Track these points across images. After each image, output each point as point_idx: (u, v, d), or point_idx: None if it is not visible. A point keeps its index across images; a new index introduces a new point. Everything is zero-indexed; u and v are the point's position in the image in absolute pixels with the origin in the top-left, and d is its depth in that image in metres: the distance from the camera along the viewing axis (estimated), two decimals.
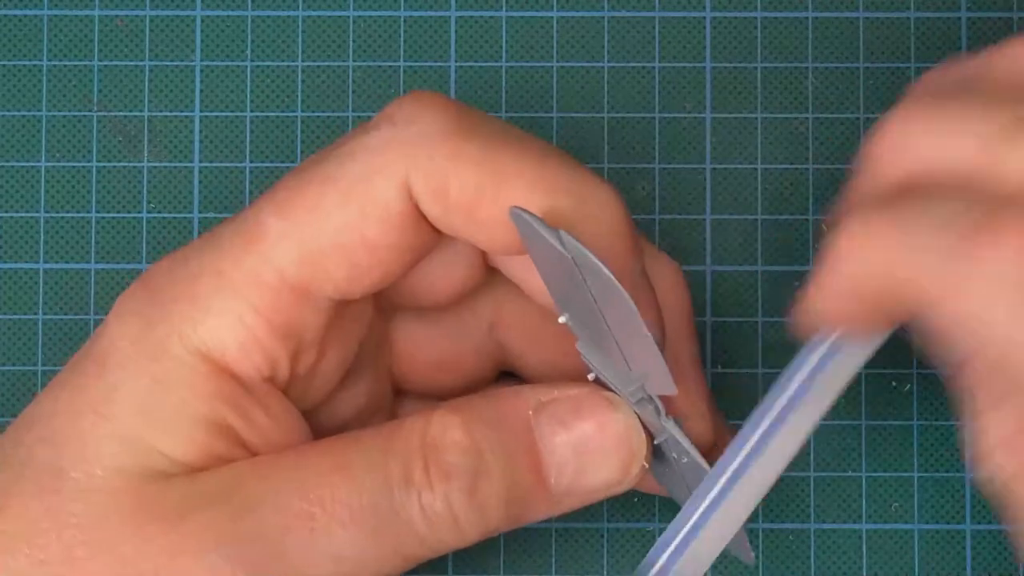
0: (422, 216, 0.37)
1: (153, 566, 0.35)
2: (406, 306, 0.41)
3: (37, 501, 0.36)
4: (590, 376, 0.39)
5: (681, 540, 0.38)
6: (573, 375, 0.39)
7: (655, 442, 0.38)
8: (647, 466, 0.38)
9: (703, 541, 0.37)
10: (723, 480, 0.37)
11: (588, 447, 0.38)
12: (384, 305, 0.41)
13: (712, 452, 0.39)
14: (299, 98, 0.47)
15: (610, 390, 0.38)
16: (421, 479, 0.36)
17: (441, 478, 0.36)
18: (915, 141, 0.34)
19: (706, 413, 0.41)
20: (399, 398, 0.43)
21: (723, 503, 0.37)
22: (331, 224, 0.36)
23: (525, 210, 0.35)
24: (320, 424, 0.40)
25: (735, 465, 0.37)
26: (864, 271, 0.34)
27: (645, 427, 0.38)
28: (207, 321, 0.37)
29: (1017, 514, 0.34)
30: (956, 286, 0.32)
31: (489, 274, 0.41)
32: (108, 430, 0.36)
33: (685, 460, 0.38)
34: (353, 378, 0.41)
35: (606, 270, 0.35)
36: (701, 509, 0.37)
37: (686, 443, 0.38)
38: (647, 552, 0.46)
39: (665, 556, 0.38)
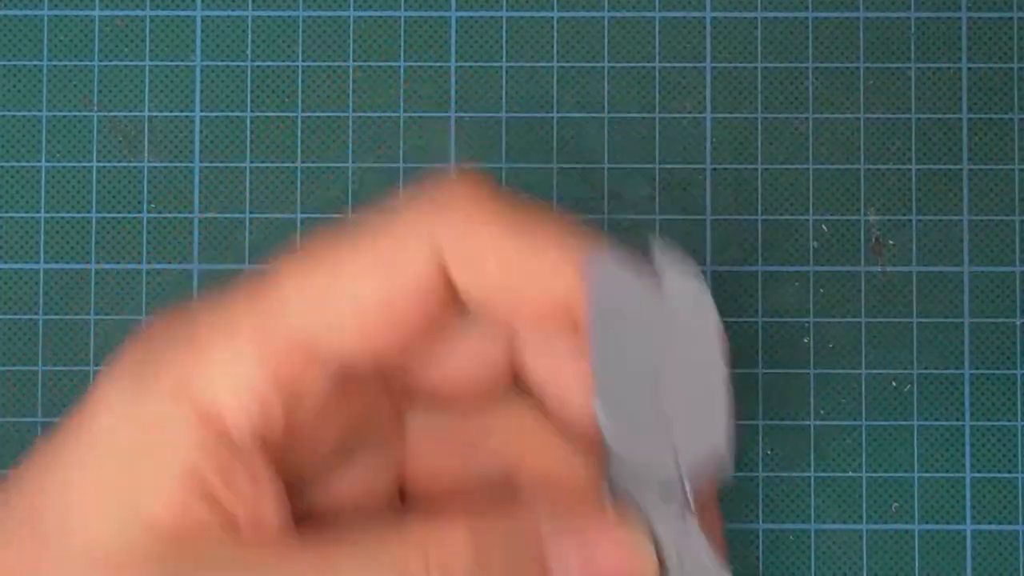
0: (450, 287, 0.36)
1: None
2: (421, 392, 0.39)
3: (18, 573, 0.35)
4: (604, 485, 0.38)
5: None
6: (573, 492, 0.38)
7: (677, 534, 0.37)
8: None
9: None
10: None
11: (600, 571, 0.36)
12: (399, 391, 0.39)
13: None
14: (299, 98, 0.47)
15: (624, 499, 0.37)
16: None
17: None
18: None
19: (720, 539, 0.39)
20: (405, 505, 0.40)
21: None
22: (354, 286, 0.35)
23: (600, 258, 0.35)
24: (312, 506, 0.38)
25: None
26: None
27: (660, 550, 0.37)
28: (204, 369, 0.35)
29: None
30: None
31: (510, 393, 0.39)
32: (90, 496, 0.35)
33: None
34: (351, 464, 0.39)
35: (715, 313, 0.34)
36: None
37: (705, 546, 0.36)
38: None
39: None
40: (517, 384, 0.40)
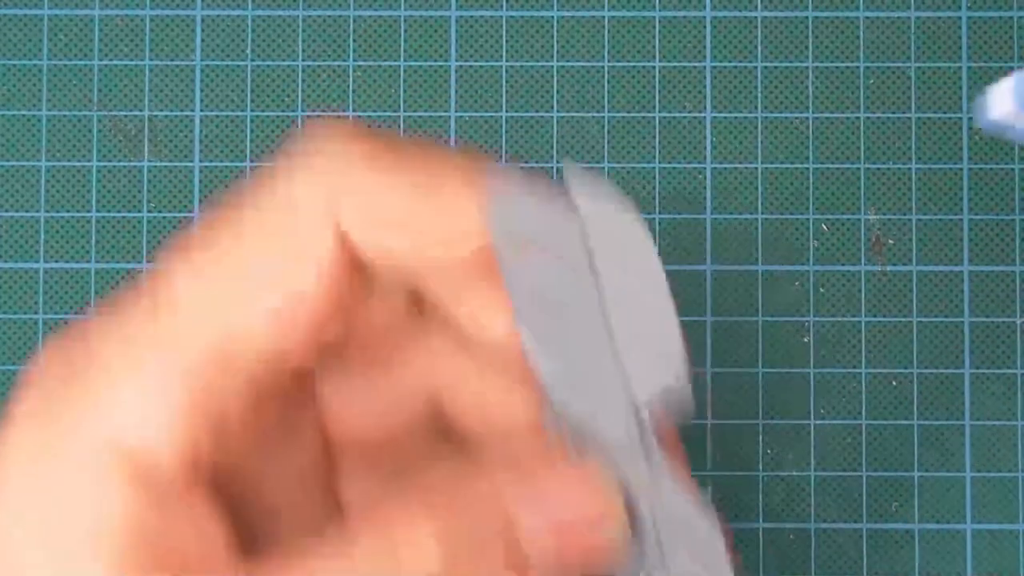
0: (354, 258, 0.33)
1: None
2: (328, 366, 0.36)
3: None
4: (552, 430, 0.35)
5: None
6: (517, 433, 0.36)
7: (642, 481, 0.35)
8: (626, 546, 0.36)
9: None
10: None
11: (567, 531, 0.34)
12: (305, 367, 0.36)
13: None
14: (299, 98, 0.47)
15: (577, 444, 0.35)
16: None
17: None
18: None
19: (687, 475, 0.38)
20: (334, 469, 0.38)
21: None
22: (253, 281, 0.32)
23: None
24: (247, 503, 0.36)
25: None
26: None
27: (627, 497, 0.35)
28: (119, 415, 0.32)
29: None
30: None
31: (420, 328, 0.37)
32: None
33: (669, 528, 0.35)
34: (279, 460, 0.36)
35: (633, 219, 0.32)
36: None
37: (680, 493, 0.34)
38: None
39: None
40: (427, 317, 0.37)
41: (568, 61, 0.47)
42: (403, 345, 0.36)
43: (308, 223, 0.32)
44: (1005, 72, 0.47)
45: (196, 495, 0.33)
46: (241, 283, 0.32)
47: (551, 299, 0.33)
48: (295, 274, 0.32)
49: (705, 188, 0.47)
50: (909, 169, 0.47)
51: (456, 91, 0.47)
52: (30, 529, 0.32)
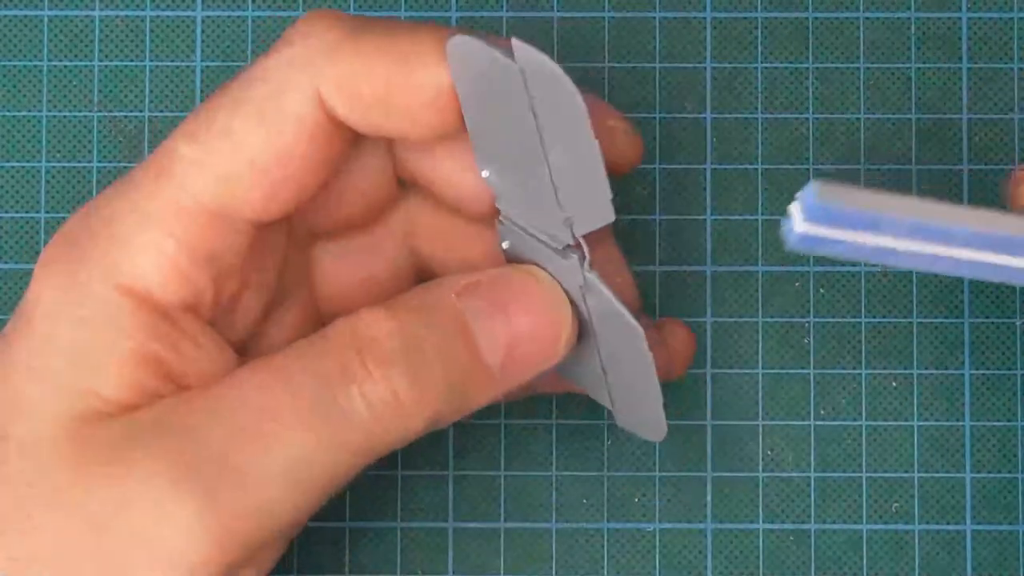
0: (336, 124, 0.38)
1: (105, 512, 0.35)
2: (321, 230, 0.41)
3: None
4: (504, 244, 0.39)
5: None
6: (479, 264, 0.40)
7: (580, 284, 0.39)
8: (573, 333, 0.39)
9: None
10: None
11: (517, 321, 0.38)
12: (300, 233, 0.41)
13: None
14: None
15: (529, 263, 0.39)
16: (360, 370, 0.36)
17: (380, 364, 0.36)
18: None
19: (625, 269, 0.41)
20: None
21: None
22: (245, 145, 0.37)
23: (468, 34, 0.37)
24: (247, 352, 0.40)
25: None
26: None
27: (568, 296, 0.39)
28: (127, 256, 0.37)
29: None
30: None
31: (399, 189, 0.41)
32: (41, 382, 0.37)
33: (603, 321, 0.39)
34: (278, 311, 0.41)
35: (559, 70, 0.35)
36: None
37: (607, 291, 0.38)
38: (646, 552, 0.46)
39: None
40: (405, 187, 0.41)
41: (569, 62, 0.47)
42: (385, 208, 0.41)
43: (289, 93, 0.37)
44: (1006, 73, 0.47)
45: (198, 327, 0.38)
46: (234, 145, 0.37)
47: (503, 141, 0.37)
48: (280, 139, 0.37)
49: (705, 188, 0.47)
50: (909, 170, 0.47)
51: None
52: (56, 355, 0.37)
